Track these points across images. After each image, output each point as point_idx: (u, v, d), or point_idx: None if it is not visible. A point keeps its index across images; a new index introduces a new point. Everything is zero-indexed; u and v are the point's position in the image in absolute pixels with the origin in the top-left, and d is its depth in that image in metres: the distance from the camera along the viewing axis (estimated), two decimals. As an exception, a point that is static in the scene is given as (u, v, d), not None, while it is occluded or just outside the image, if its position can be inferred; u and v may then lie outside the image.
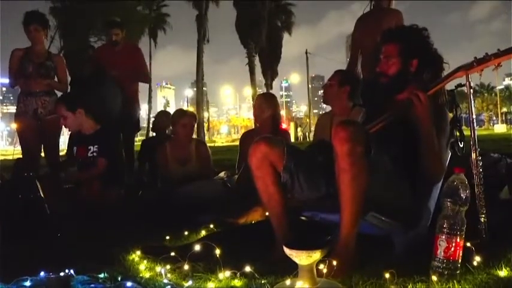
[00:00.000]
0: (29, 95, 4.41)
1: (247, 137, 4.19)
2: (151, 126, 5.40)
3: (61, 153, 4.84)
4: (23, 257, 2.29)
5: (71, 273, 1.93)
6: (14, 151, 6.64)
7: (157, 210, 3.24)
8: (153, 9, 38.57)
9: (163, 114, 5.53)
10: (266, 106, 3.98)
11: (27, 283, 1.86)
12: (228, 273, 1.88)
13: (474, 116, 2.33)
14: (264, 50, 34.02)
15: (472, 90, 2.32)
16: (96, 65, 4.95)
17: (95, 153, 3.86)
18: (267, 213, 2.45)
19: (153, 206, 3.39)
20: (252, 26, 31.09)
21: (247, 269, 1.85)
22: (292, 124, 37.86)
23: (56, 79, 4.55)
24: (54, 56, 4.71)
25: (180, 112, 4.45)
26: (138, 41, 30.92)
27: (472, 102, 2.32)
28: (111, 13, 23.03)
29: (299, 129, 37.92)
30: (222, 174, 4.48)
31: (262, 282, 1.81)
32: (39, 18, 4.56)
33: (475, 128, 2.32)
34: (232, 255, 2.09)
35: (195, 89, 33.23)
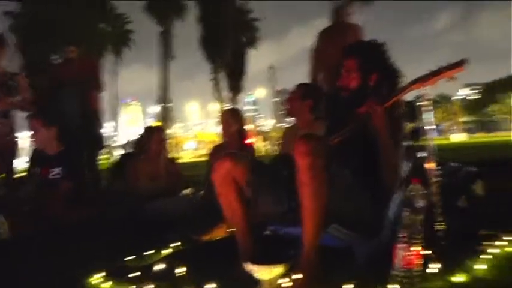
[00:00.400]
0: None
1: (216, 152, 4.19)
2: (133, 142, 5.26)
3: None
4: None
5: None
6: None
7: (123, 228, 3.19)
8: (117, 26, 38.24)
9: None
10: (232, 121, 3.99)
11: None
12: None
13: (433, 127, 2.41)
14: (229, 66, 34.15)
15: (431, 102, 2.39)
16: (55, 83, 4.88)
17: (58, 175, 3.78)
18: (231, 229, 2.45)
19: (119, 224, 3.34)
20: (217, 42, 31.20)
21: (211, 286, 1.84)
22: (259, 138, 38.05)
23: (18, 98, 4.42)
24: (15, 75, 4.60)
25: (153, 129, 4.44)
26: (101, 59, 30.60)
27: (430, 112, 2.40)
28: (73, 31, 22.76)
29: (266, 143, 38.09)
30: (187, 190, 4.46)
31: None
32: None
33: (432, 137, 2.39)
34: (197, 272, 2.08)
35: (161, 105, 32.92)
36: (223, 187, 2.25)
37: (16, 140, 4.47)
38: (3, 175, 4.42)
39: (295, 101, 3.63)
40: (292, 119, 3.88)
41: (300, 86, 3.72)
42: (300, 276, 1.81)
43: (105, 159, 5.01)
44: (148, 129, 5.21)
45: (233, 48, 33.13)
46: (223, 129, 4.06)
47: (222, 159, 2.28)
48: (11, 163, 4.46)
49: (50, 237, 3.11)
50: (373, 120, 2.25)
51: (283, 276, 1.76)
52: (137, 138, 5.03)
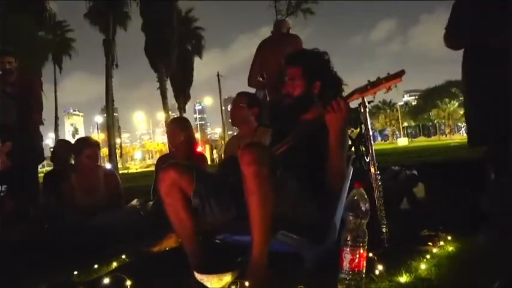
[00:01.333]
0: None
1: (163, 162, 4.14)
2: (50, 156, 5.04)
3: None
4: None
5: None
6: None
7: (65, 244, 3.08)
8: (57, 34, 37.09)
9: (63, 143, 5.27)
10: (179, 130, 3.94)
11: None
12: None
13: (371, 133, 2.50)
14: (175, 74, 33.85)
15: (368, 110, 2.47)
16: None
17: (2, 193, 3.61)
18: (178, 240, 2.43)
19: (60, 239, 3.22)
20: (161, 51, 30.82)
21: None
22: (207, 146, 37.92)
23: None
24: None
25: (83, 142, 4.27)
26: (41, 68, 29.50)
27: (369, 120, 2.48)
28: (10, 39, 21.84)
29: (214, 151, 37.99)
30: (134, 202, 4.36)
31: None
32: None
33: (372, 143, 2.48)
34: (146, 285, 2.05)
35: (105, 115, 32.11)
36: (170, 197, 2.23)
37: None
38: None
39: (240, 109, 3.64)
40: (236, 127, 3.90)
41: (244, 95, 3.74)
42: (248, 282, 1.82)
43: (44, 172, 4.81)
44: (61, 143, 5.06)
45: (178, 56, 32.88)
46: (170, 138, 4.02)
47: (167, 168, 2.27)
48: None
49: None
50: (332, 119, 2.28)
51: (232, 283, 1.76)
52: (51, 151, 4.85)
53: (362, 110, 2.46)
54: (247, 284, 1.81)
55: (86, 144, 4.11)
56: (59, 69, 38.39)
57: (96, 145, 4.17)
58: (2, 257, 2.87)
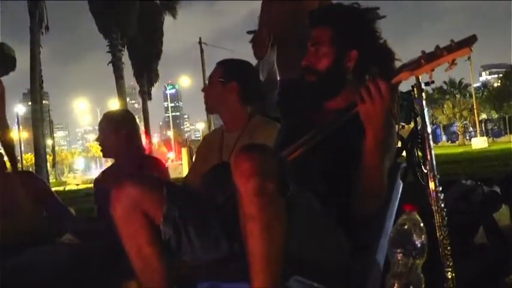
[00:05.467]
0: None
1: (104, 179, 4.16)
2: None
3: None
4: None
5: None
6: None
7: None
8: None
9: None
10: (114, 129, 3.94)
11: None
12: None
13: (431, 130, 2.50)
14: (136, 42, 33.85)
15: (425, 96, 2.48)
16: None
17: None
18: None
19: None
20: (115, 7, 30.82)
21: None
22: (184, 150, 37.76)
23: None
24: None
25: None
26: None
27: (427, 111, 2.49)
28: None
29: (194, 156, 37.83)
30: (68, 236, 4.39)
31: None
32: None
33: (432, 145, 2.49)
34: None
35: (29, 103, 32.11)
36: (128, 226, 2.25)
37: None
38: None
39: (214, 86, 3.61)
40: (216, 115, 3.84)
41: (220, 65, 3.61)
42: None
43: None
44: None
45: (141, 15, 32.86)
46: (103, 144, 4.01)
47: (124, 183, 2.28)
48: None
49: None
50: (369, 111, 2.24)
51: None
52: None
53: (417, 96, 2.47)
54: None
55: None
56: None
57: None
58: None
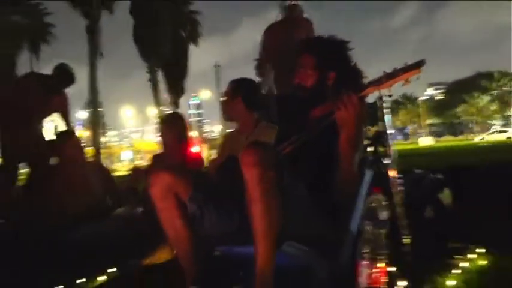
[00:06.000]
0: None
1: (156, 163, 4.15)
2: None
3: None
4: None
5: None
6: None
7: (48, 255, 3.09)
8: (34, 19, 37.11)
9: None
10: (173, 128, 3.96)
11: None
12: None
13: (392, 131, 2.49)
14: (168, 64, 33.85)
15: (386, 105, 2.46)
16: None
17: None
18: (173, 252, 2.44)
19: (42, 249, 3.22)
20: (153, 37, 30.82)
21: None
22: (204, 146, 37.87)
23: None
24: None
25: (63, 135, 4.32)
26: (15, 56, 29.55)
27: (387, 116, 2.47)
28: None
29: (213, 151, 37.94)
30: (123, 208, 4.38)
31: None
32: None
33: (391, 143, 2.47)
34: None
35: (89, 110, 32.11)
36: (164, 202, 2.25)
37: None
38: None
39: (227, 100, 3.61)
40: (233, 123, 3.87)
41: (230, 83, 3.62)
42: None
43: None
44: (60, 135, 5.09)
45: (172, 44, 32.85)
46: (163, 137, 4.03)
47: (161, 171, 2.28)
48: None
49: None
50: (343, 116, 2.24)
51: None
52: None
53: (381, 104, 2.45)
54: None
55: (67, 137, 4.15)
56: (35, 58, 38.41)
57: (77, 137, 4.23)
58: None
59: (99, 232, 3.47)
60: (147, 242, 3.07)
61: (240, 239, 2.23)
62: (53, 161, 4.40)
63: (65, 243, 3.31)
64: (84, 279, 2.68)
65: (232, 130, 3.90)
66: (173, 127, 3.95)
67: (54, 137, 4.53)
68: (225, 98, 3.57)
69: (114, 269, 2.83)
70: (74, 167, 4.10)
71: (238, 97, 3.47)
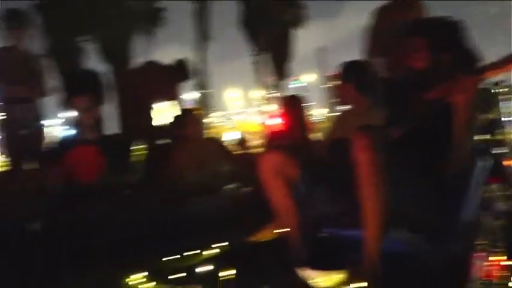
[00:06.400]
0: (10, 102, 4.44)
1: (272, 143, 4.22)
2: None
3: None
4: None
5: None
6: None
7: (162, 227, 3.23)
8: (147, 4, 38.60)
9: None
10: (290, 109, 3.99)
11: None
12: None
13: (509, 119, 2.34)
14: (273, 48, 34.00)
15: (505, 90, 2.32)
16: None
17: None
18: (279, 231, 2.46)
19: (157, 221, 3.38)
20: (258, 22, 31.06)
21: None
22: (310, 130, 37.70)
23: (35, 82, 4.52)
24: (36, 58, 4.73)
25: (185, 113, 4.52)
26: (129, 41, 31.02)
27: (504, 103, 2.33)
28: (97, 11, 23.23)
29: (317, 134, 37.73)
30: (231, 186, 4.50)
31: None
32: (21, 16, 4.61)
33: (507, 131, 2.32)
34: (244, 276, 2.10)
35: (198, 91, 33.16)
36: (273, 182, 2.27)
37: (42, 127, 4.65)
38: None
39: (340, 85, 3.55)
40: (345, 106, 3.80)
41: (342, 66, 3.55)
42: (362, 284, 1.80)
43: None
44: (183, 113, 5.31)
45: (277, 28, 32.91)
46: (282, 118, 4.06)
47: (271, 151, 2.31)
48: (36, 151, 4.58)
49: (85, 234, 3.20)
50: (458, 99, 2.15)
51: (342, 284, 1.76)
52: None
53: (500, 89, 2.31)
54: (360, 286, 1.80)
55: (189, 115, 4.32)
56: (149, 42, 40.04)
57: (197, 116, 4.39)
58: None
59: (210, 207, 3.58)
60: (254, 220, 3.12)
61: (347, 221, 2.21)
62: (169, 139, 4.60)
63: (178, 215, 3.45)
64: (193, 252, 2.77)
65: (342, 112, 3.85)
66: (292, 108, 3.96)
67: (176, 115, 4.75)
68: (336, 81, 3.53)
69: (223, 244, 2.89)
70: (194, 143, 4.26)
71: (350, 80, 3.40)
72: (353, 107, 3.48)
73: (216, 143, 4.51)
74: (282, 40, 34.61)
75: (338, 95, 3.55)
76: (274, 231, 2.88)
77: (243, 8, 32.24)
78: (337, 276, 1.66)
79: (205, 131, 4.53)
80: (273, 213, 2.34)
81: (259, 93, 35.79)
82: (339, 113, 3.98)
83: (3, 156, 4.81)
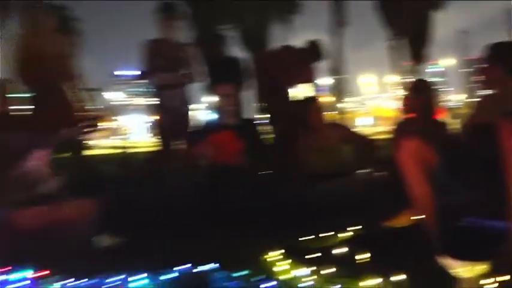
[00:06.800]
0: (162, 89, 4.74)
1: (402, 128, 4.09)
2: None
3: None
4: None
5: (209, 270, 2.10)
6: (152, 143, 7.31)
7: (297, 208, 3.27)
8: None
9: None
10: (420, 94, 3.82)
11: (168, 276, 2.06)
12: (375, 280, 1.86)
13: None
14: (410, 32, 32.59)
15: None
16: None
17: None
18: (416, 217, 2.38)
19: (292, 202, 3.43)
20: (394, 5, 29.91)
21: (399, 277, 1.82)
22: (446, 115, 35.71)
23: (187, 70, 4.82)
24: (184, 47, 4.99)
25: (309, 99, 4.52)
26: (267, 29, 31.52)
27: None
28: (238, 1, 24.00)
29: (455, 121, 35.63)
30: (365, 170, 4.43)
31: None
32: (173, 9, 4.93)
33: None
34: (381, 260, 2.07)
35: (333, 77, 32.84)
36: (412, 167, 2.19)
37: (188, 111, 4.93)
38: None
39: (484, 68, 3.27)
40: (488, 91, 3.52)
41: (488, 48, 3.30)
42: (506, 278, 1.68)
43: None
44: (306, 100, 5.33)
45: (414, 11, 31.45)
46: (410, 103, 3.91)
47: (410, 136, 2.23)
48: (183, 133, 4.81)
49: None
50: None
51: (485, 276, 1.66)
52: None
53: None
54: (505, 279, 1.68)
55: (310, 103, 4.33)
56: (287, 29, 40.35)
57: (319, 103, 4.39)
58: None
59: (342, 190, 3.56)
60: (389, 205, 3.05)
61: (490, 210, 2.08)
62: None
63: (314, 198, 3.48)
64: (331, 233, 2.77)
65: (485, 97, 3.58)
66: (420, 93, 3.80)
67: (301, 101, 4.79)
68: (482, 64, 3.27)
69: (358, 227, 2.86)
70: (316, 130, 4.26)
71: (498, 62, 3.13)
72: (498, 90, 3.21)
73: (341, 128, 4.47)
74: (419, 24, 33.07)
75: (482, 78, 3.28)
76: (411, 217, 2.81)
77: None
78: (479, 268, 1.56)
79: (333, 116, 4.49)
80: (410, 199, 2.26)
81: (394, 78, 34.62)
82: (480, 98, 3.71)
83: (155, 137, 5.16)
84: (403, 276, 1.82)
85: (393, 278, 1.83)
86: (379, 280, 1.84)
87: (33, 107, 4.11)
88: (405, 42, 34.37)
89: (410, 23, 31.52)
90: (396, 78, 33.26)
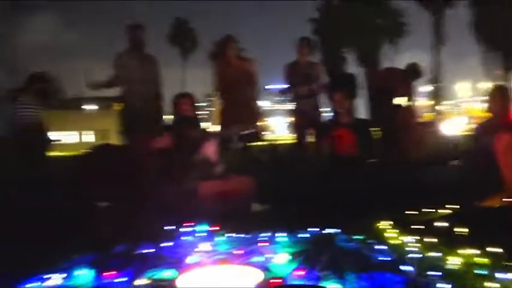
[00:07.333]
0: (298, 98, 4.86)
1: (482, 127, 3.70)
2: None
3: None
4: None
5: (334, 232, 2.07)
6: (290, 137, 7.67)
7: (404, 188, 3.08)
8: (392, 20, 36.79)
9: None
10: (496, 98, 3.41)
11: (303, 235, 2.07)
12: (473, 250, 1.66)
13: None
14: (502, 45, 28.98)
15: None
16: None
17: None
18: (508, 200, 2.11)
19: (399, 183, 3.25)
20: (488, 24, 26.75)
21: (494, 249, 1.61)
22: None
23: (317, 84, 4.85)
24: (314, 65, 5.02)
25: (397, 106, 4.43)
26: (379, 49, 30.13)
27: None
28: (355, 27, 23.38)
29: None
30: (456, 161, 4.09)
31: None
32: (307, 39, 5.14)
33: None
34: (477, 234, 1.85)
35: (432, 85, 30.54)
36: (506, 157, 1.96)
37: (318, 115, 4.92)
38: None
39: None
40: None
41: None
42: None
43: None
44: (396, 106, 5.02)
45: (508, 27, 27.86)
46: (490, 105, 3.47)
47: (501, 133, 2.00)
48: (313, 132, 4.85)
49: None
50: None
51: None
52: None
53: None
54: None
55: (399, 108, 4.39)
56: (394, 50, 38.19)
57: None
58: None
59: (443, 175, 3.32)
60: (481, 188, 2.72)
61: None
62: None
63: (418, 180, 3.28)
64: (432, 210, 2.55)
65: None
66: (499, 97, 3.37)
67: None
68: None
69: (455, 206, 2.59)
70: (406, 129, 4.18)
71: None
72: None
73: (430, 126, 4.23)
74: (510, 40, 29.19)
75: None
76: (503, 199, 2.49)
77: (474, 15, 28.22)
78: None
79: (430, 117, 4.27)
80: (502, 183, 2.00)
81: (486, 84, 31.03)
82: None
83: (292, 133, 5.36)
84: (498, 249, 1.60)
85: (489, 249, 1.63)
86: (477, 250, 1.65)
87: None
88: (498, 54, 30.68)
89: (504, 36, 28.04)
90: (487, 84, 29.89)
